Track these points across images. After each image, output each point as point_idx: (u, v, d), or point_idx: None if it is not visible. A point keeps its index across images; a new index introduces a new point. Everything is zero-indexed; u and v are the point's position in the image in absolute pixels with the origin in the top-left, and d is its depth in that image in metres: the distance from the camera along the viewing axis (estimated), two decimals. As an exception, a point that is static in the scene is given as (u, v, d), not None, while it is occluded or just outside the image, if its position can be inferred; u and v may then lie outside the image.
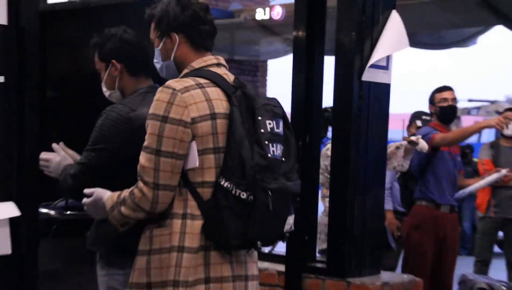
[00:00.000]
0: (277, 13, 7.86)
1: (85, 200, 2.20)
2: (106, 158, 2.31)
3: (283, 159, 2.08)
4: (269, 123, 2.05)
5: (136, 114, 2.27)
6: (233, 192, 1.99)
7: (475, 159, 5.59)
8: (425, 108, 4.74)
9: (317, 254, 3.21)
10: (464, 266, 4.73)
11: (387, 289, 2.84)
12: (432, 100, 4.40)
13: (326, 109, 3.42)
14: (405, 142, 3.78)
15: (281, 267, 3.06)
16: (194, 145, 2.04)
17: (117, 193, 2.12)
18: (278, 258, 3.19)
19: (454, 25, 7.91)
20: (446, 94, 4.29)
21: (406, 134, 4.92)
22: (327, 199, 3.20)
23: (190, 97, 2.01)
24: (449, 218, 4.25)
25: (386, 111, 3.05)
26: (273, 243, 2.29)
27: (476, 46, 9.16)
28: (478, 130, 4.34)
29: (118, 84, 2.37)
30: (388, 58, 2.93)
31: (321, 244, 3.43)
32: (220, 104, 2.06)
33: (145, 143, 2.03)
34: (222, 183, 2.01)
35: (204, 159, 2.06)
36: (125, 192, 2.08)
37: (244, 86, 2.10)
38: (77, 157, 2.37)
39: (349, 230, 2.87)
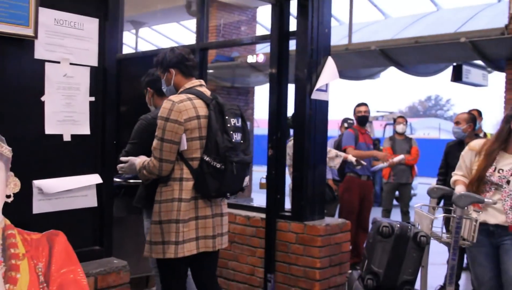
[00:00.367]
0: (261, 58, 9.95)
1: (122, 164, 2.78)
2: (137, 148, 2.92)
3: (242, 141, 2.63)
4: (232, 120, 2.59)
5: (155, 120, 2.72)
6: (212, 163, 2.53)
7: (381, 147, 6.99)
8: (350, 115, 6.02)
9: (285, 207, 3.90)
10: (375, 213, 5.36)
11: (328, 228, 3.62)
12: (354, 111, 5.71)
13: (288, 117, 4.00)
14: (343, 155, 5.13)
15: (263, 215, 3.85)
16: (184, 137, 2.56)
17: (143, 160, 2.69)
18: (261, 209, 3.96)
19: (366, 66, 9.73)
20: (361, 108, 5.57)
21: (339, 132, 6.24)
22: (292, 175, 4.02)
23: (183, 106, 2.56)
24: (367, 183, 5.46)
25: (326, 117, 3.85)
26: (236, 193, 2.74)
27: (380, 78, 11.45)
28: (370, 156, 5.53)
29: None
30: (326, 85, 3.76)
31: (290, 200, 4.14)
32: (202, 109, 2.60)
33: (156, 134, 2.59)
34: (205, 158, 2.54)
35: (193, 143, 2.58)
36: (146, 161, 2.65)
37: (217, 97, 2.65)
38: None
39: (304, 192, 3.69)
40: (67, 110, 2.25)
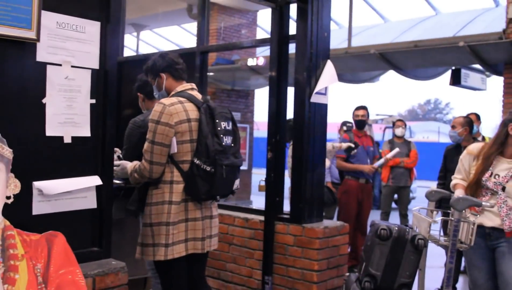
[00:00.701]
0: (261, 61, 9.91)
1: (114, 168, 2.73)
2: (131, 151, 3.01)
3: (232, 145, 2.63)
4: (223, 124, 2.60)
5: (144, 122, 2.87)
6: (202, 166, 2.54)
7: (380, 150, 7.08)
8: (349, 118, 6.00)
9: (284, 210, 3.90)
10: (373, 216, 5.38)
11: (327, 231, 3.63)
12: (352, 114, 5.78)
13: (289, 120, 3.97)
14: (337, 144, 5.17)
15: (262, 217, 3.87)
16: (174, 140, 2.58)
17: (134, 164, 2.72)
18: (259, 212, 3.98)
19: (365, 69, 9.77)
20: (359, 112, 5.58)
21: (338, 136, 6.19)
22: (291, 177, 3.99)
23: (174, 109, 2.58)
24: (365, 187, 5.46)
25: (325, 120, 3.86)
26: (226, 196, 2.75)
27: (379, 82, 11.58)
28: (356, 169, 5.43)
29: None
30: (326, 88, 3.77)
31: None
32: (193, 113, 2.62)
33: (147, 136, 2.61)
34: (195, 161, 2.55)
35: (184, 146, 2.60)
36: (137, 165, 2.68)
37: (208, 101, 2.66)
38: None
39: (303, 194, 3.70)
40: (68, 112, 2.27)
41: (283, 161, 3.92)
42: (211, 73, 10.60)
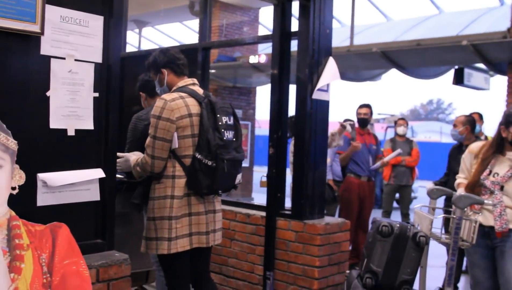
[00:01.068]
0: (263, 58, 9.94)
1: (118, 160, 2.75)
2: (134, 145, 3.00)
3: (234, 139, 2.65)
4: (224, 118, 2.61)
5: (148, 116, 2.85)
6: (203, 161, 2.56)
7: (382, 149, 7.07)
8: (351, 116, 5.97)
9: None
10: (375, 215, 5.05)
11: (328, 227, 3.64)
12: (356, 112, 5.83)
13: (291, 117, 4.01)
14: (336, 130, 5.04)
15: (263, 213, 3.87)
16: (175, 135, 2.60)
17: (138, 157, 2.75)
18: (261, 207, 3.98)
19: (368, 68, 9.77)
20: (362, 110, 5.60)
21: None
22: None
23: (175, 105, 2.60)
24: (367, 184, 5.46)
25: (327, 117, 3.86)
26: (229, 191, 2.79)
27: (381, 81, 11.54)
28: (349, 153, 5.41)
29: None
30: (328, 85, 3.78)
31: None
32: (195, 108, 2.64)
33: (149, 131, 2.64)
34: (197, 155, 2.58)
35: (185, 141, 2.61)
36: (140, 159, 2.71)
37: (209, 96, 2.68)
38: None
39: (304, 191, 3.71)
40: (71, 105, 2.29)
41: (285, 157, 3.93)
42: (213, 70, 10.62)
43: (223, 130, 2.59)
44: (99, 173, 2.40)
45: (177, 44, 13.95)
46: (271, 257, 3.80)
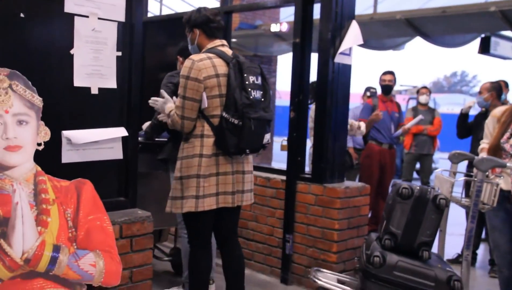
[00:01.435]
0: (284, 26, 9.80)
1: (156, 98, 2.87)
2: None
3: (262, 99, 2.68)
4: (251, 78, 2.64)
5: (175, 73, 3.04)
6: (230, 120, 2.58)
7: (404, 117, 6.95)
8: (374, 84, 5.89)
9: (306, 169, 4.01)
10: None
11: (347, 191, 3.68)
12: (379, 79, 5.72)
13: (313, 82, 4.05)
14: (356, 123, 4.98)
15: (283, 177, 3.92)
16: (204, 94, 2.65)
17: (173, 106, 2.76)
18: (281, 171, 4.02)
19: (390, 36, 9.53)
20: (386, 77, 5.47)
21: (361, 102, 6.04)
22: (313, 138, 4.04)
23: (202, 65, 2.64)
24: (388, 152, 5.40)
25: (349, 81, 3.85)
26: (257, 151, 2.76)
27: (404, 50, 11.16)
28: (371, 123, 5.29)
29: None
30: (350, 48, 3.74)
31: (309, 165, 4.26)
32: (222, 68, 2.66)
33: (178, 92, 2.69)
34: (223, 114, 2.61)
35: (213, 101, 2.66)
36: (172, 111, 2.72)
37: (238, 56, 2.69)
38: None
39: (324, 155, 3.74)
40: (94, 63, 2.31)
41: (306, 122, 3.95)
42: (234, 39, 10.52)
43: (250, 89, 2.60)
44: (122, 131, 2.44)
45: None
46: (290, 220, 3.84)
